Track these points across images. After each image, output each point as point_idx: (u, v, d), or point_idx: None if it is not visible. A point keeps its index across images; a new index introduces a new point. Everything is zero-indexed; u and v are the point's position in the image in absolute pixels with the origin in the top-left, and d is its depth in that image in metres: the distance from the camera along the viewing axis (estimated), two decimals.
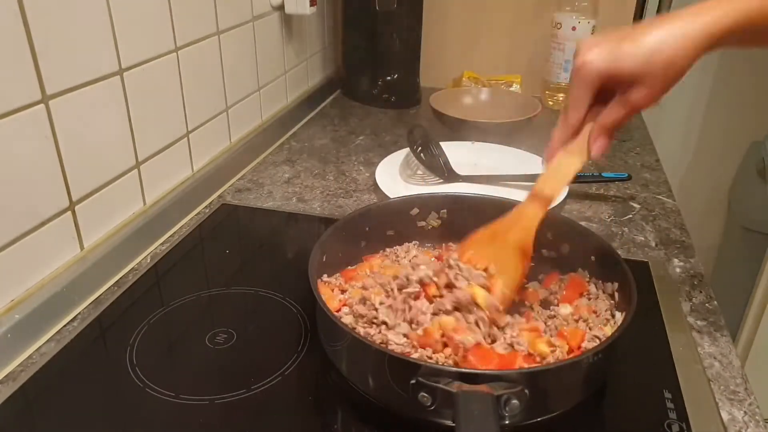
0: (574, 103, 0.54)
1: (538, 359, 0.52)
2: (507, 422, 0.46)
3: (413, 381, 0.45)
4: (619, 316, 0.56)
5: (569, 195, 0.89)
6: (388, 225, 0.70)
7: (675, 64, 0.50)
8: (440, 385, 0.44)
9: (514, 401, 0.44)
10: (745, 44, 0.51)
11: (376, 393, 0.52)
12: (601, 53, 0.51)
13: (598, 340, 0.54)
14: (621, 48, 0.50)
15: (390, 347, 0.52)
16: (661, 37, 0.49)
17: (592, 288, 0.62)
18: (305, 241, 0.79)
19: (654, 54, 0.50)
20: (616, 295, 0.59)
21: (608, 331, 0.56)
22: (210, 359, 0.59)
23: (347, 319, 0.56)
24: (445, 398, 0.44)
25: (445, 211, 0.72)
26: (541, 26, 1.29)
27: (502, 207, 0.70)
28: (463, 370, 0.47)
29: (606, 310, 0.59)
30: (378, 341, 0.53)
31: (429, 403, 0.45)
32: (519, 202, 0.71)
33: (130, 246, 0.73)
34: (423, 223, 0.72)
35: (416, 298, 0.55)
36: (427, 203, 0.72)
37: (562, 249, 0.67)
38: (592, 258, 0.63)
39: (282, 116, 1.13)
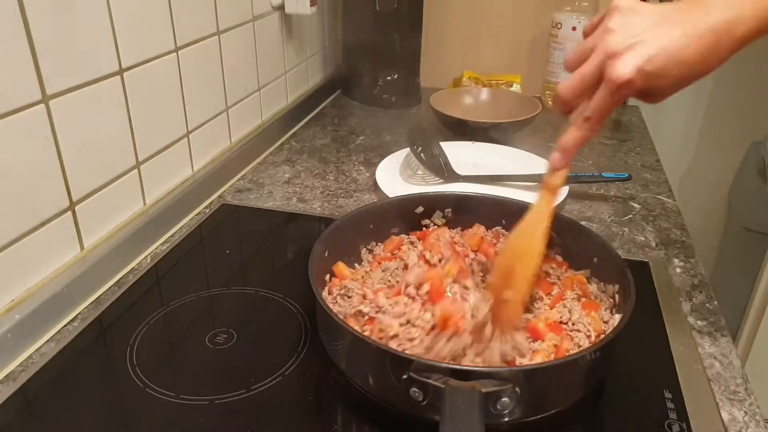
0: (600, 115, 0.50)
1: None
2: (506, 419, 0.47)
3: (405, 376, 0.46)
4: (618, 318, 0.56)
5: (569, 195, 0.89)
6: (392, 223, 0.71)
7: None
8: (430, 381, 0.45)
9: (505, 399, 0.44)
10: None
11: (375, 390, 0.52)
12: (643, 72, 0.47)
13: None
14: (664, 66, 0.47)
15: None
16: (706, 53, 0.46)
17: (594, 288, 0.62)
18: (305, 241, 0.79)
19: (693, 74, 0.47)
20: (617, 297, 0.59)
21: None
22: (210, 359, 0.59)
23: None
24: (435, 394, 0.44)
25: (450, 210, 0.72)
26: (541, 26, 1.29)
27: (507, 207, 0.71)
28: (454, 366, 0.48)
29: (606, 309, 0.59)
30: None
31: (420, 399, 0.46)
32: (523, 201, 0.71)
33: (130, 246, 0.73)
34: (428, 222, 0.72)
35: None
36: (432, 202, 0.72)
37: (565, 249, 0.67)
38: (595, 259, 0.63)
39: (282, 116, 1.13)
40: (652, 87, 0.48)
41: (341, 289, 0.60)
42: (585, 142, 0.52)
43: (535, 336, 0.55)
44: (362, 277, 0.64)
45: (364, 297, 0.58)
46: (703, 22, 0.46)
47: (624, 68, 0.47)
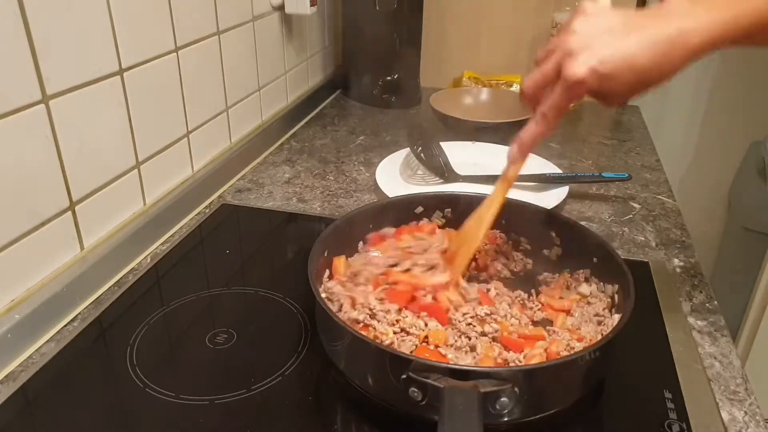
0: (555, 111, 0.53)
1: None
2: (506, 419, 0.47)
3: (404, 376, 0.46)
4: (617, 318, 0.56)
5: (569, 195, 0.88)
6: (391, 223, 0.70)
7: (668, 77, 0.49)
8: (429, 381, 0.45)
9: (504, 399, 0.44)
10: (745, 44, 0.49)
11: (374, 390, 0.52)
12: (596, 73, 0.48)
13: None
14: (617, 69, 0.48)
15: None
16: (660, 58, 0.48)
17: (593, 288, 0.62)
18: (305, 241, 0.79)
19: (649, 80, 0.49)
20: (616, 297, 0.59)
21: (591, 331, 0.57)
22: (210, 359, 0.59)
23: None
24: (434, 394, 0.44)
25: (449, 210, 0.72)
26: (541, 26, 1.29)
27: (507, 207, 0.70)
28: (453, 366, 0.47)
29: (603, 309, 0.59)
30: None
31: (420, 398, 0.46)
32: (524, 202, 0.71)
33: (130, 246, 0.73)
34: (427, 222, 0.72)
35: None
36: (431, 202, 0.72)
37: (563, 249, 0.67)
38: (594, 260, 0.63)
39: (282, 116, 1.13)
40: (605, 88, 0.49)
41: (324, 291, 0.60)
42: (542, 137, 0.55)
43: (514, 348, 0.54)
44: (353, 276, 0.64)
45: (354, 303, 0.58)
46: (660, 30, 0.48)
47: (578, 67, 0.49)
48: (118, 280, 0.71)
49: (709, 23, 0.47)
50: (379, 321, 0.55)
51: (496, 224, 0.65)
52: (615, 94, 0.50)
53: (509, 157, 0.58)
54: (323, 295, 0.60)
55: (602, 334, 0.56)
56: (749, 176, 1.50)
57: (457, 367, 0.48)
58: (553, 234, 0.67)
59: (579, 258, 0.65)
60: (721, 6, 0.47)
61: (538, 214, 0.70)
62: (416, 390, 0.46)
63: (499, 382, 0.45)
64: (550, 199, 0.85)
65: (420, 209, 0.71)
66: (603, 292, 0.61)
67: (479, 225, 0.62)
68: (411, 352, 0.53)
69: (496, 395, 0.44)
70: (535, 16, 1.30)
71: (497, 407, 0.45)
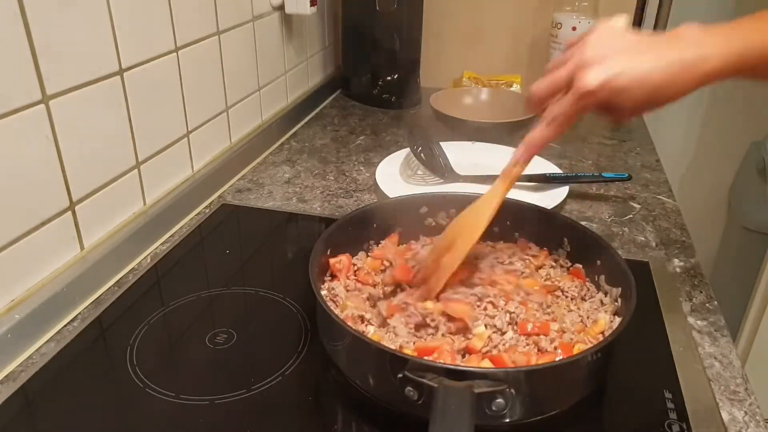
0: (564, 119, 0.54)
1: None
2: (506, 420, 0.47)
3: (400, 375, 0.46)
4: (617, 320, 0.56)
5: (569, 195, 0.88)
6: (395, 222, 0.70)
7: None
8: (424, 380, 0.45)
9: (499, 400, 0.44)
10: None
11: (374, 390, 0.52)
12: (608, 86, 0.50)
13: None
14: (630, 81, 0.50)
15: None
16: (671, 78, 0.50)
17: (593, 290, 0.62)
18: (305, 241, 0.79)
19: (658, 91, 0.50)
20: (619, 300, 0.59)
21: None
22: (210, 359, 0.59)
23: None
24: (430, 393, 0.44)
25: (454, 210, 0.71)
26: (541, 26, 1.29)
27: (509, 207, 0.70)
28: (449, 366, 0.47)
29: (606, 311, 0.59)
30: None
31: (416, 398, 0.46)
32: (526, 203, 0.71)
33: (130, 246, 0.73)
34: (432, 222, 0.72)
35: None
36: (436, 202, 0.72)
37: (565, 250, 0.67)
38: (598, 262, 0.63)
39: (282, 116, 1.13)
40: (614, 103, 0.51)
41: (329, 291, 0.60)
42: (549, 141, 0.56)
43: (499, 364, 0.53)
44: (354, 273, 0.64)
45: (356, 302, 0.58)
46: (676, 54, 0.50)
47: (591, 78, 0.50)
48: (118, 280, 0.71)
49: (723, 54, 0.49)
50: (374, 325, 0.56)
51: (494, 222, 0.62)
52: (622, 109, 0.52)
53: (516, 157, 0.59)
54: (323, 293, 0.60)
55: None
56: (749, 176, 1.50)
57: (453, 367, 0.48)
58: (566, 240, 0.67)
59: (582, 260, 0.65)
60: (734, 37, 0.49)
61: (541, 215, 0.70)
62: (412, 389, 0.46)
63: (494, 383, 0.44)
64: (550, 199, 0.85)
65: (425, 209, 0.71)
66: (606, 293, 0.61)
67: (477, 222, 0.60)
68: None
69: (491, 396, 0.44)
70: (535, 16, 1.30)
71: (493, 408, 0.45)
